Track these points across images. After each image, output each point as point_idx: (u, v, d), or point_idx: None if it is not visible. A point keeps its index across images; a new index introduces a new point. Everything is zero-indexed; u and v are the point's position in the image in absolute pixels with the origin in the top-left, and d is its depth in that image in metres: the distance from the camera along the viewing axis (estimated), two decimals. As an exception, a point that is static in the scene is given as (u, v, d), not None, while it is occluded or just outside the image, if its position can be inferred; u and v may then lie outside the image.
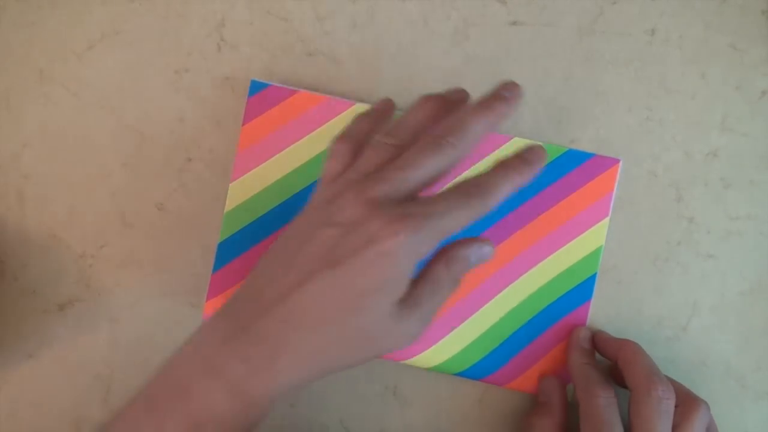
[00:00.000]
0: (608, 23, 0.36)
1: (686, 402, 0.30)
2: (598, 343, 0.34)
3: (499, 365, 0.34)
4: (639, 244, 0.35)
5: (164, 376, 0.26)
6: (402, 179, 0.25)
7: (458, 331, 0.34)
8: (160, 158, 0.35)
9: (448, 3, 0.35)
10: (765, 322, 0.36)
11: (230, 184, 0.34)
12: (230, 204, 0.34)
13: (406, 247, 0.24)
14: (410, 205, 0.25)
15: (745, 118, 0.36)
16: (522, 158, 0.27)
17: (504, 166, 0.27)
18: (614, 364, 0.33)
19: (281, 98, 0.34)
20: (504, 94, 0.27)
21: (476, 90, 0.35)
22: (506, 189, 0.26)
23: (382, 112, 0.30)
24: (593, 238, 0.34)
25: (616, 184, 0.34)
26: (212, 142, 0.35)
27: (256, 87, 0.34)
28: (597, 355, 0.34)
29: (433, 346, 0.33)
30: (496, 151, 0.34)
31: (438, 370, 0.34)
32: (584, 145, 0.35)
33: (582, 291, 0.34)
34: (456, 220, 0.25)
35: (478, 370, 0.34)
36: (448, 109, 0.29)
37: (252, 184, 0.34)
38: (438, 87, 0.35)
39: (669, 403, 0.30)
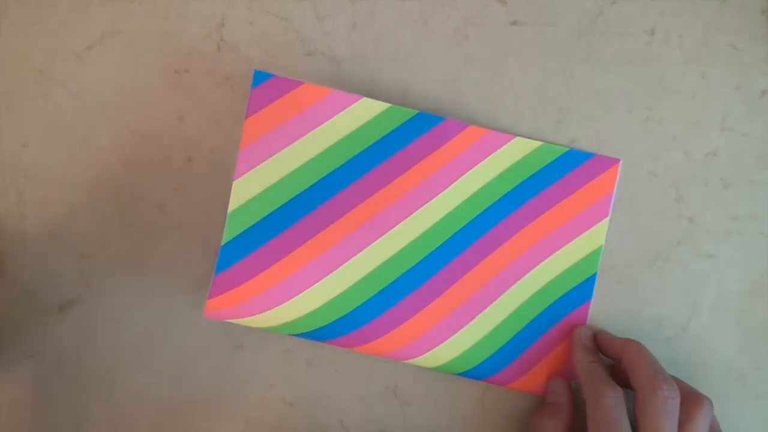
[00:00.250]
0: (608, 23, 0.36)
1: (690, 400, 0.30)
2: (600, 342, 0.34)
3: (502, 365, 0.34)
4: (639, 244, 0.35)
5: None
6: None
7: (462, 332, 0.34)
8: (160, 158, 0.35)
9: (448, 3, 0.35)
10: (765, 322, 0.36)
11: (234, 182, 0.33)
12: (234, 203, 0.33)
13: None
14: None
15: (745, 118, 0.36)
16: None
17: None
18: (617, 363, 0.33)
19: (285, 90, 0.33)
20: None
21: (476, 90, 0.35)
22: None
23: None
24: (593, 238, 0.34)
25: (616, 184, 0.34)
26: (212, 142, 0.35)
27: (259, 78, 0.33)
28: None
29: (437, 347, 0.33)
30: (498, 151, 0.34)
31: (441, 371, 0.34)
32: (584, 145, 0.35)
33: (582, 291, 0.34)
34: None
35: (481, 370, 0.34)
36: None
37: (256, 182, 0.33)
38: (438, 87, 0.35)
39: (674, 402, 0.30)
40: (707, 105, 0.36)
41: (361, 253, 0.33)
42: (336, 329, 0.33)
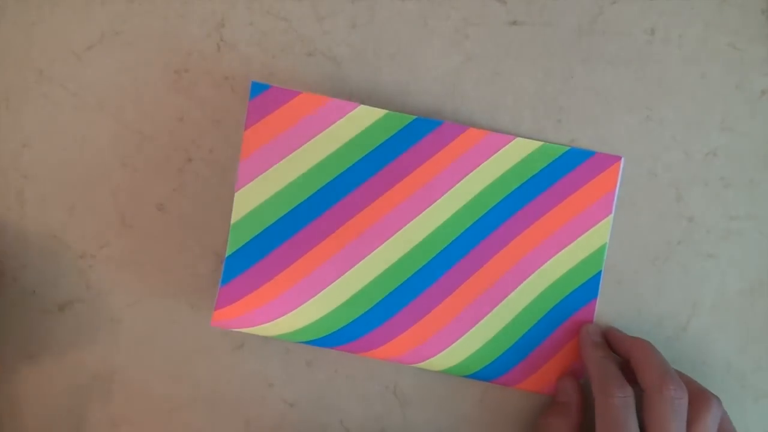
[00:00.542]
0: (608, 23, 0.36)
1: (698, 399, 0.30)
2: (610, 339, 0.34)
3: (510, 366, 0.34)
4: (639, 243, 0.35)
5: None
6: None
7: (469, 335, 0.34)
8: (160, 158, 0.35)
9: (447, 3, 0.35)
10: (765, 322, 0.36)
11: (236, 194, 0.33)
12: (237, 215, 0.33)
13: None
14: None
15: (745, 118, 0.36)
16: None
17: None
18: (626, 361, 0.33)
19: (283, 101, 0.33)
20: None
21: (476, 90, 0.35)
22: None
23: None
24: (597, 236, 0.34)
25: (618, 182, 0.34)
26: (212, 142, 0.35)
27: (257, 89, 0.33)
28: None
29: (444, 351, 0.33)
30: (498, 153, 0.34)
31: (449, 373, 0.34)
32: (584, 145, 0.35)
33: (588, 289, 0.34)
34: None
35: (489, 371, 0.34)
36: None
37: (258, 193, 0.33)
38: (438, 87, 0.35)
39: (682, 402, 0.30)
40: (707, 105, 0.36)
41: (364, 260, 0.33)
42: (343, 336, 0.33)
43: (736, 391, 0.35)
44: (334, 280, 0.33)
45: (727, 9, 0.36)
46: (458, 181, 0.34)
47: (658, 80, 0.36)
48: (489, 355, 0.34)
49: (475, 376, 0.34)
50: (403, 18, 0.35)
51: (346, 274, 0.33)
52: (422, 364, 0.34)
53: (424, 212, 0.33)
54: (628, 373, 0.32)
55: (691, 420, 0.30)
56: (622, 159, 0.35)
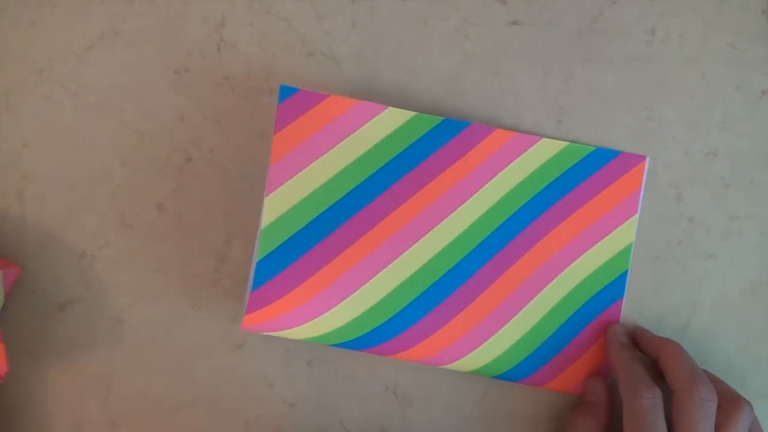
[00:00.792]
0: (608, 23, 0.36)
1: (729, 402, 0.30)
2: (638, 339, 0.34)
3: (538, 367, 0.34)
4: (639, 243, 0.35)
5: None
6: None
7: (497, 336, 0.34)
8: (160, 158, 0.35)
9: (448, 3, 0.35)
10: (765, 322, 0.36)
11: (265, 199, 0.33)
12: (267, 220, 0.33)
13: None
14: None
15: (745, 118, 0.36)
16: None
17: None
18: (654, 362, 0.33)
19: (312, 104, 0.33)
20: None
21: (476, 90, 0.35)
22: None
23: None
24: (622, 235, 0.34)
25: (643, 181, 0.35)
26: (212, 142, 0.35)
27: (285, 93, 0.33)
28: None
29: (473, 352, 0.33)
30: (525, 153, 0.34)
31: (478, 374, 0.34)
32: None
33: (614, 289, 0.34)
34: None
35: (517, 372, 0.34)
36: None
37: (287, 198, 0.33)
38: (438, 87, 0.35)
39: (711, 405, 0.30)
40: (707, 105, 0.36)
41: (394, 262, 0.33)
42: (372, 339, 0.33)
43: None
44: (364, 284, 0.33)
45: (727, 9, 0.36)
46: (486, 183, 0.34)
47: (658, 80, 0.36)
48: (517, 355, 0.34)
49: (504, 376, 0.34)
50: (403, 18, 0.35)
51: (376, 277, 0.33)
52: (452, 365, 0.34)
53: (452, 214, 0.33)
54: (655, 373, 0.32)
55: (721, 423, 0.30)
56: (647, 159, 0.35)
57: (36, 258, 0.35)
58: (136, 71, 0.35)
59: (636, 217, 0.34)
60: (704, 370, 0.32)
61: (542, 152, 0.34)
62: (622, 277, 0.34)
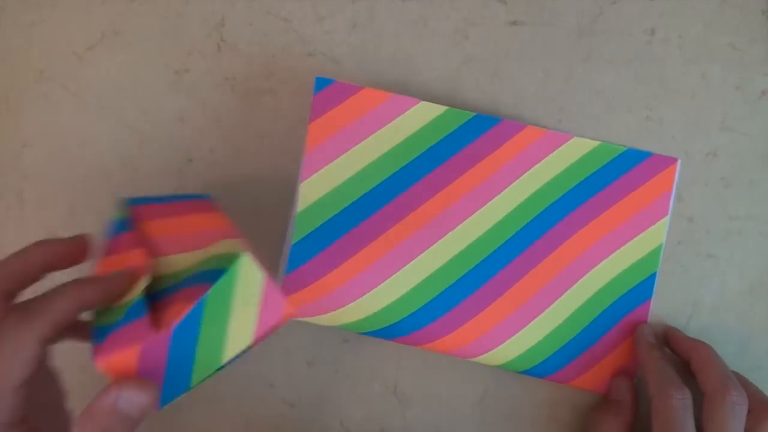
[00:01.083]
0: (608, 23, 0.36)
1: (760, 407, 0.31)
2: (669, 339, 0.34)
3: (564, 364, 0.34)
4: (639, 244, 0.35)
5: None
6: None
7: (524, 331, 0.34)
8: (160, 158, 0.35)
9: (448, 3, 0.35)
10: (765, 322, 0.36)
11: (300, 184, 0.33)
12: (302, 204, 0.33)
13: None
14: None
15: (745, 118, 0.36)
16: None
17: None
18: (685, 362, 0.33)
19: (346, 95, 0.33)
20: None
21: (476, 90, 0.35)
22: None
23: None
24: (653, 236, 0.35)
25: (675, 183, 0.35)
26: (212, 142, 0.35)
27: (321, 84, 0.33)
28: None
29: (500, 346, 0.33)
30: (556, 151, 0.34)
31: (504, 368, 0.34)
32: (584, 145, 0.35)
33: (643, 289, 0.35)
34: None
35: (542, 368, 0.34)
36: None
37: (322, 184, 0.33)
38: (438, 87, 0.35)
39: (742, 409, 0.30)
40: (707, 105, 0.36)
41: (425, 253, 0.33)
42: (402, 328, 0.33)
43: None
44: (395, 273, 0.33)
45: (727, 9, 0.36)
46: (517, 178, 0.34)
47: (658, 80, 0.36)
48: (544, 351, 0.34)
49: (530, 372, 0.34)
50: (403, 18, 0.35)
51: (406, 266, 0.33)
52: (479, 359, 0.34)
53: (483, 207, 0.34)
54: (683, 374, 0.32)
55: (751, 428, 0.30)
56: (679, 161, 0.35)
57: (36, 258, 0.35)
58: (136, 71, 0.35)
59: (667, 218, 0.35)
60: (734, 372, 0.32)
61: (574, 151, 0.34)
62: (651, 278, 0.35)
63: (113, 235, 0.30)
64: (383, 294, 0.33)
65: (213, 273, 0.26)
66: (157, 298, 0.27)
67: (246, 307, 0.26)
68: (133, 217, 0.30)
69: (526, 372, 0.34)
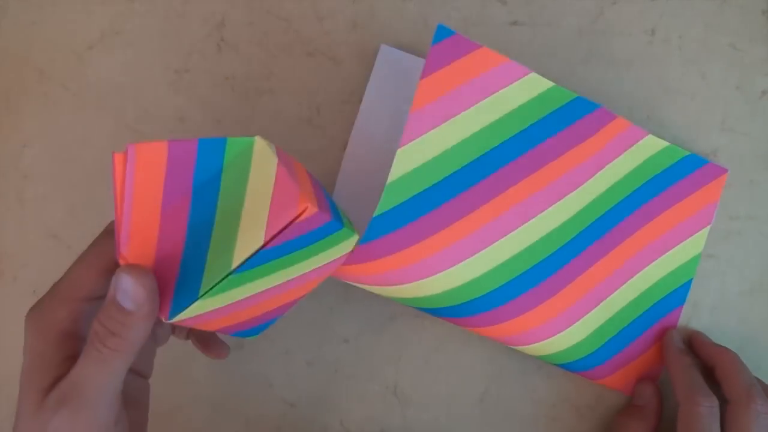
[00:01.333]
0: (608, 23, 0.36)
1: None
2: (694, 344, 0.34)
3: (598, 363, 0.34)
4: (639, 244, 0.35)
5: None
6: None
7: (575, 327, 0.34)
8: (160, 158, 0.35)
9: (448, 3, 0.35)
10: (765, 322, 0.36)
11: (398, 151, 0.31)
12: (394, 174, 0.31)
13: None
14: None
15: (745, 118, 0.36)
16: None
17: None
18: (709, 368, 0.33)
19: (463, 52, 0.31)
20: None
21: (476, 90, 0.35)
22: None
23: None
24: (694, 244, 0.35)
25: (721, 194, 0.35)
26: (212, 142, 0.35)
27: (441, 34, 0.31)
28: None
29: (550, 338, 0.33)
30: (632, 148, 0.34)
31: (544, 360, 0.34)
32: (584, 145, 0.35)
33: (677, 296, 0.35)
34: None
35: (578, 364, 0.34)
36: None
37: (419, 153, 0.31)
38: (438, 87, 0.35)
39: (766, 417, 0.30)
40: (707, 105, 0.36)
41: (502, 239, 0.32)
42: (459, 310, 0.33)
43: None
44: (471, 256, 0.32)
45: (727, 10, 0.36)
46: (599, 170, 0.34)
47: (658, 80, 0.36)
48: (585, 349, 0.34)
49: (565, 366, 0.34)
50: (403, 18, 0.35)
51: (484, 250, 0.32)
52: (524, 348, 0.34)
53: (563, 199, 0.33)
54: (706, 380, 0.33)
55: None
56: (728, 172, 0.35)
57: (36, 258, 0.35)
58: (136, 71, 0.35)
59: (708, 228, 0.35)
60: (757, 378, 0.32)
61: (647, 148, 0.34)
62: (686, 286, 0.35)
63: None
64: (454, 276, 0.32)
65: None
66: None
67: (258, 197, 0.23)
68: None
69: (563, 365, 0.34)
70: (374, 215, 0.31)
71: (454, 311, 0.33)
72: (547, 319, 0.33)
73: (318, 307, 0.35)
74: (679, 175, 0.35)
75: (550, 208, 0.33)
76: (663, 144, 0.34)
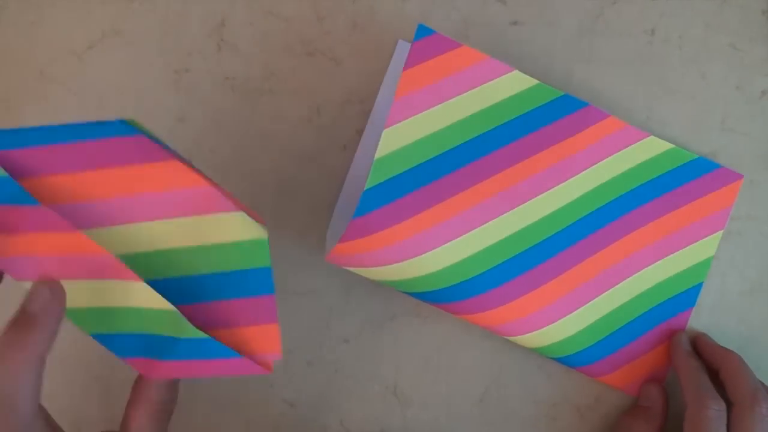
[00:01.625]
0: (608, 23, 0.36)
1: None
2: (699, 346, 0.34)
3: (597, 358, 0.34)
4: (639, 244, 0.35)
5: None
6: None
7: (567, 319, 0.34)
8: (160, 158, 0.35)
9: (448, 3, 0.35)
10: (765, 322, 0.36)
11: (384, 130, 0.32)
12: (382, 151, 0.32)
13: None
14: None
15: (745, 118, 0.36)
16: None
17: None
18: (714, 371, 0.33)
19: (444, 49, 0.33)
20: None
21: (476, 90, 0.35)
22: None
23: None
24: (705, 247, 0.35)
25: (735, 199, 0.35)
26: (212, 142, 0.35)
27: (422, 32, 0.32)
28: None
29: (541, 329, 0.33)
30: (630, 147, 0.34)
31: (539, 353, 0.34)
32: (584, 145, 0.35)
33: (686, 298, 0.35)
34: None
35: (576, 358, 0.34)
36: None
37: (404, 134, 0.33)
38: (438, 87, 0.35)
39: None
40: (707, 105, 0.36)
41: (488, 223, 0.33)
42: (450, 294, 0.33)
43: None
44: (458, 237, 0.32)
45: (727, 9, 0.36)
46: (589, 166, 0.34)
47: (658, 80, 0.36)
48: (581, 342, 0.34)
49: (563, 360, 0.34)
50: (403, 18, 0.35)
51: (470, 232, 0.33)
52: (516, 338, 0.34)
53: (551, 189, 0.33)
54: (712, 382, 0.32)
55: None
56: (744, 178, 0.35)
57: (36, 258, 0.35)
58: (136, 71, 0.35)
59: (721, 232, 0.35)
60: (760, 381, 0.32)
61: (647, 149, 0.34)
62: (696, 288, 0.35)
63: None
64: (442, 256, 0.32)
65: (255, 277, 0.25)
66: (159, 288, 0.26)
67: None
68: (19, 168, 0.24)
69: (560, 359, 0.34)
70: (365, 188, 0.32)
71: (444, 295, 0.33)
72: (539, 308, 0.33)
73: (318, 307, 0.35)
74: (687, 177, 0.35)
75: (537, 198, 0.33)
76: (667, 146, 0.34)
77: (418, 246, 0.32)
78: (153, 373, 0.27)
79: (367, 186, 0.32)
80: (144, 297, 0.25)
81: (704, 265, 0.35)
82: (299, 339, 0.35)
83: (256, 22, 0.35)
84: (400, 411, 0.35)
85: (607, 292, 0.34)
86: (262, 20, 0.35)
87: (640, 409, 0.34)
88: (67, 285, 0.26)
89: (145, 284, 0.25)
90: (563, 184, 0.33)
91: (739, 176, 0.35)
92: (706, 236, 0.35)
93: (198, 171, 0.26)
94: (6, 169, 0.24)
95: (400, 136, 0.32)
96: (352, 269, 0.33)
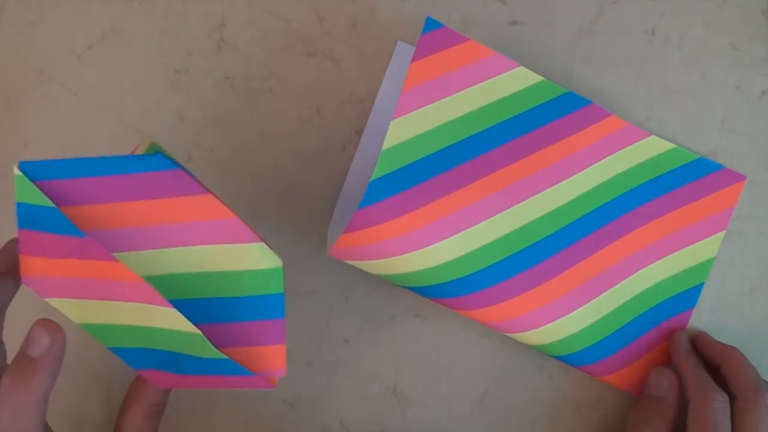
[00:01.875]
0: (608, 23, 0.36)
1: None
2: (699, 344, 0.34)
3: (599, 357, 0.34)
4: (639, 244, 0.35)
5: None
6: None
7: (569, 317, 0.34)
8: (160, 158, 0.35)
9: (448, 3, 0.35)
10: (765, 322, 0.36)
11: (392, 122, 0.32)
12: (389, 142, 0.32)
13: None
14: None
15: (745, 118, 0.36)
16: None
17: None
18: (715, 368, 0.33)
19: (451, 43, 0.32)
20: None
21: (476, 90, 0.35)
22: None
23: None
24: (707, 248, 0.35)
25: (738, 200, 0.35)
26: (212, 142, 0.35)
27: (430, 25, 0.32)
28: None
29: (542, 327, 0.33)
30: (632, 146, 0.34)
31: (540, 350, 0.34)
32: (584, 145, 0.35)
33: (687, 297, 0.35)
34: None
35: (578, 357, 0.34)
36: None
37: (412, 126, 0.32)
38: (438, 87, 0.35)
39: None
40: (707, 105, 0.36)
41: (490, 219, 0.33)
42: (452, 289, 0.33)
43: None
44: (461, 231, 0.32)
45: (727, 9, 0.36)
46: (590, 165, 0.34)
47: (658, 80, 0.36)
48: (583, 341, 0.34)
49: (564, 359, 0.34)
50: (403, 18, 0.35)
51: (473, 227, 0.32)
52: (517, 336, 0.34)
53: (554, 186, 0.33)
54: (714, 378, 0.32)
55: None
56: (747, 179, 0.35)
57: (36, 258, 0.35)
58: (136, 71, 0.35)
59: (723, 233, 0.35)
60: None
61: (649, 148, 0.34)
62: (698, 288, 0.35)
63: (39, 228, 0.25)
64: (444, 250, 0.32)
65: (268, 302, 0.26)
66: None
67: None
68: (63, 197, 0.25)
69: (561, 358, 0.34)
70: (371, 179, 0.32)
71: (446, 290, 0.33)
72: (540, 305, 0.33)
73: (318, 307, 0.35)
74: (689, 177, 0.35)
75: (539, 195, 0.33)
76: (669, 146, 0.34)
77: (421, 238, 0.32)
78: (163, 383, 0.28)
79: (373, 177, 0.32)
80: (172, 320, 0.26)
81: (706, 266, 0.35)
82: (299, 339, 0.35)
83: (256, 22, 0.35)
84: (400, 411, 0.35)
85: (608, 291, 0.34)
86: (262, 20, 0.35)
87: (651, 399, 0.33)
88: (94, 303, 0.27)
89: (175, 310, 0.26)
90: (566, 181, 0.33)
91: (743, 177, 0.35)
92: (708, 236, 0.35)
93: (222, 202, 0.27)
94: (51, 199, 0.25)
95: (407, 127, 0.32)
96: (353, 263, 0.33)
